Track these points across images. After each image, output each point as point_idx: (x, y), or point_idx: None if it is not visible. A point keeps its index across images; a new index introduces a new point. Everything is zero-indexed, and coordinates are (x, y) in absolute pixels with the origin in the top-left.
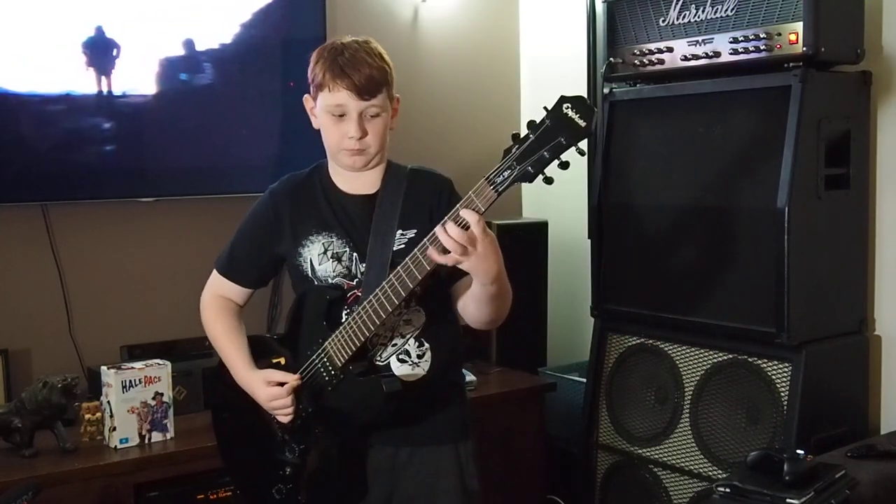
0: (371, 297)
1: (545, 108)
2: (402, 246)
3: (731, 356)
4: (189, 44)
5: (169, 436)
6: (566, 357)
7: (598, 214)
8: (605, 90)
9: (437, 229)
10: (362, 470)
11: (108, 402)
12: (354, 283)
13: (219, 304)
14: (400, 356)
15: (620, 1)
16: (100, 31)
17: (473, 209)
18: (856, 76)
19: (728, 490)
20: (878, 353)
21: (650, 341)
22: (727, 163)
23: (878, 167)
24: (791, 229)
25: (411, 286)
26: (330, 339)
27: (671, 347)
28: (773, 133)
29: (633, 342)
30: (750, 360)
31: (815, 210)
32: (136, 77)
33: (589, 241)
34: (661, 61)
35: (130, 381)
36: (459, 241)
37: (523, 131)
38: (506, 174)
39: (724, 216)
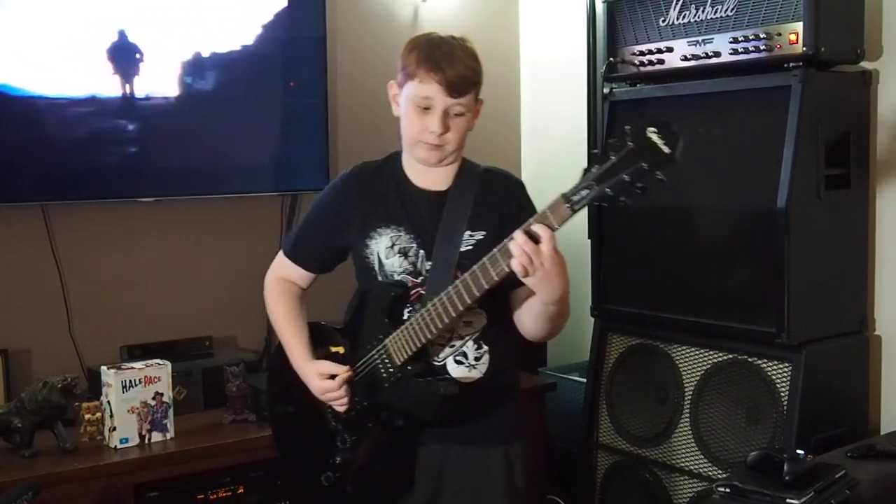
0: (436, 299)
1: (627, 129)
2: (470, 247)
3: (731, 356)
4: (188, 45)
5: (169, 436)
6: (566, 357)
7: (598, 214)
8: (605, 90)
9: (509, 240)
10: (411, 466)
11: (108, 402)
12: (419, 280)
13: (282, 286)
14: (457, 357)
15: (620, 1)
16: (101, 32)
17: (547, 225)
18: (856, 76)
19: (728, 490)
20: (878, 353)
21: (650, 341)
22: (727, 163)
23: (878, 167)
24: (791, 229)
25: (478, 293)
26: (391, 337)
27: (671, 347)
28: (773, 133)
29: (633, 342)
30: (750, 360)
31: (815, 210)
32: (136, 78)
33: (589, 241)
34: (661, 61)
35: (130, 381)
36: (530, 254)
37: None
38: (583, 193)
39: (724, 216)
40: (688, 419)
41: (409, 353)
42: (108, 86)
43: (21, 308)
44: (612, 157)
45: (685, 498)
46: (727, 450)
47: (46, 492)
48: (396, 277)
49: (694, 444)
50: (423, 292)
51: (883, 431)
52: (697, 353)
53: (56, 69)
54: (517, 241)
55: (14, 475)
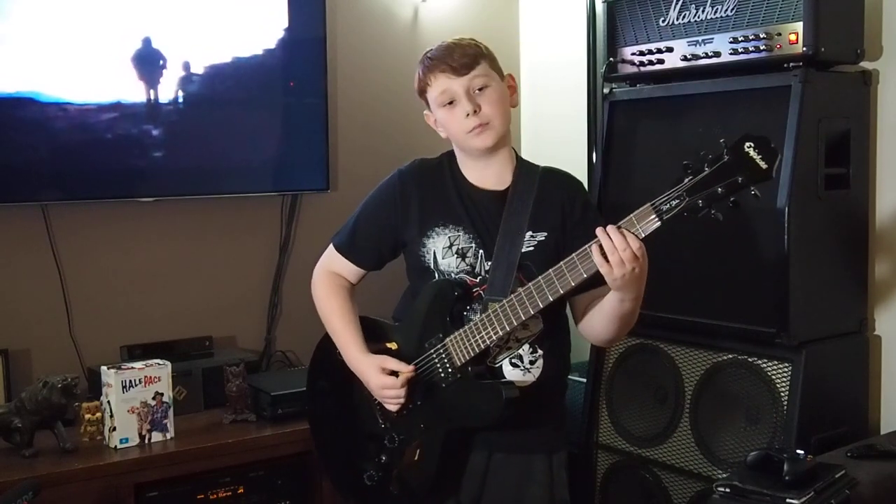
0: (504, 301)
1: (723, 142)
2: (531, 248)
3: (731, 356)
4: (187, 45)
5: (169, 436)
6: None
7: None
8: (605, 90)
9: (594, 243)
10: (457, 470)
11: (108, 402)
12: (478, 280)
13: (333, 281)
14: (513, 360)
15: (620, 1)
16: (102, 35)
17: (635, 234)
18: (856, 76)
19: (728, 490)
20: (878, 353)
21: (650, 341)
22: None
23: (878, 167)
24: (791, 229)
25: (552, 298)
26: (451, 337)
27: (671, 347)
28: (773, 133)
29: (633, 342)
30: (750, 360)
31: (815, 210)
32: (135, 80)
33: None
34: (661, 61)
35: (130, 381)
36: (623, 256)
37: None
38: (673, 203)
39: (725, 216)
40: (688, 419)
41: (471, 354)
42: (108, 88)
43: (21, 308)
44: (707, 169)
45: (685, 498)
46: (727, 450)
47: (46, 492)
48: (454, 277)
49: (694, 444)
50: (482, 293)
51: (883, 431)
52: (697, 353)
53: (55, 72)
54: (611, 242)
55: (14, 475)
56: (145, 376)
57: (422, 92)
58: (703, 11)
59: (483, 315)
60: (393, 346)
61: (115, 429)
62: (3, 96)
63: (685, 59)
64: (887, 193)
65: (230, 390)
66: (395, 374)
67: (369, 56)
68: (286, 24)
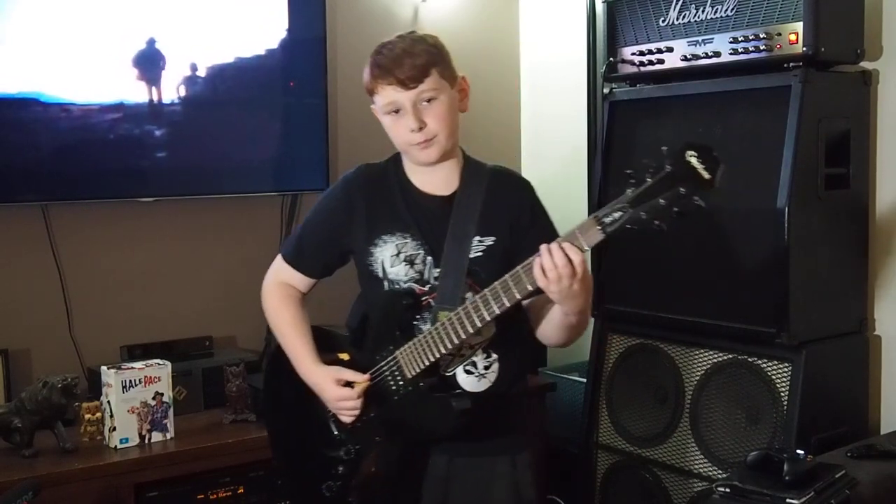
0: (452, 314)
1: (664, 149)
2: (480, 254)
3: (731, 356)
4: (187, 46)
5: (169, 436)
6: (566, 357)
7: None
8: (605, 90)
9: (536, 256)
10: (417, 478)
11: (108, 402)
12: (427, 288)
13: (284, 291)
14: (467, 367)
15: (620, 1)
16: (102, 36)
17: (577, 246)
18: (856, 76)
19: (728, 490)
20: (878, 353)
21: (650, 341)
22: (727, 163)
23: (878, 167)
24: (791, 229)
25: (499, 311)
26: (401, 349)
27: (671, 347)
28: (773, 133)
29: (633, 342)
30: (750, 360)
31: (815, 210)
32: (135, 81)
33: None
34: (661, 61)
35: (130, 381)
36: (561, 274)
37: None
38: (616, 215)
39: (724, 216)
40: (688, 419)
41: (421, 367)
42: (109, 88)
43: (21, 308)
44: (649, 180)
45: (685, 498)
46: (727, 450)
47: (46, 492)
48: (403, 286)
49: (694, 444)
50: (432, 301)
51: (883, 431)
52: (697, 353)
53: (57, 73)
54: (551, 259)
55: (14, 475)
56: (145, 376)
57: (370, 91)
58: (703, 11)
59: (432, 327)
60: (346, 356)
61: (115, 429)
62: (6, 97)
63: (685, 59)
64: (887, 193)
65: (230, 390)
66: (350, 384)
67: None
68: (286, 25)
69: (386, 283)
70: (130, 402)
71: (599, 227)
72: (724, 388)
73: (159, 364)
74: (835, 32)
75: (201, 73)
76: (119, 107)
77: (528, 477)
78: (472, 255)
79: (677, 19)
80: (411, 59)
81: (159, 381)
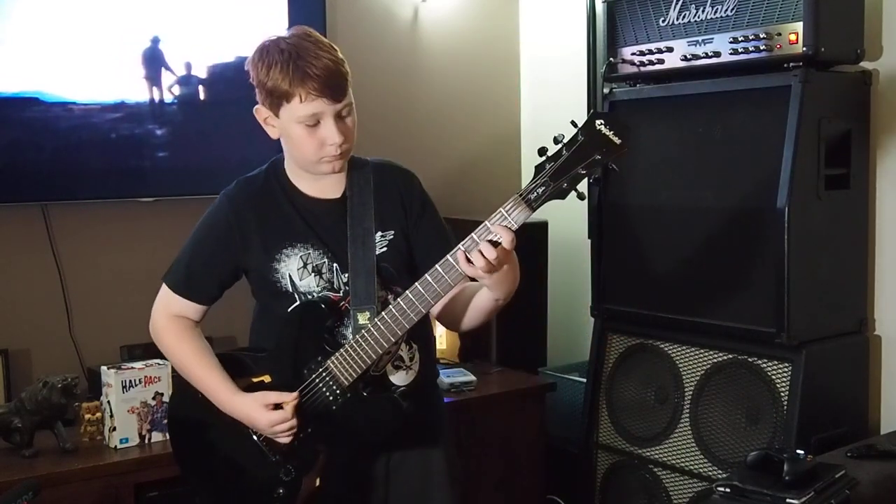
0: (377, 319)
1: (573, 122)
2: (385, 248)
3: (731, 356)
4: (187, 46)
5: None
6: (566, 357)
7: (598, 214)
8: (605, 90)
9: (457, 251)
10: (359, 480)
11: (108, 402)
12: (341, 294)
13: (178, 325)
14: (395, 363)
15: (620, 1)
16: (102, 36)
17: (507, 227)
18: (856, 76)
19: (728, 490)
20: (878, 353)
21: (650, 341)
22: (727, 163)
23: (878, 167)
24: (791, 229)
25: (434, 302)
26: (332, 359)
27: (671, 347)
28: (773, 133)
29: (633, 342)
30: (750, 360)
31: (815, 210)
32: (135, 81)
33: (589, 241)
34: (661, 61)
35: (130, 381)
36: (491, 260)
37: (536, 141)
38: (540, 191)
39: (724, 216)
40: (688, 419)
41: (357, 373)
42: (108, 88)
43: (21, 308)
44: (565, 153)
45: (685, 498)
46: (727, 450)
47: (46, 492)
48: (316, 297)
49: (694, 444)
50: (348, 305)
51: (883, 431)
52: (697, 353)
53: (59, 72)
54: (482, 248)
55: (14, 475)
56: (145, 376)
57: (278, 96)
58: (703, 11)
59: (358, 335)
60: (266, 378)
61: (115, 429)
62: (6, 96)
63: (685, 59)
64: (887, 193)
65: None
66: (278, 406)
67: (369, 56)
68: (286, 25)
69: (297, 297)
70: (130, 402)
71: (526, 204)
72: (724, 388)
73: (159, 364)
74: (835, 32)
75: (201, 73)
76: (119, 106)
77: (455, 458)
78: (377, 252)
79: (677, 19)
80: (336, 68)
81: (159, 381)
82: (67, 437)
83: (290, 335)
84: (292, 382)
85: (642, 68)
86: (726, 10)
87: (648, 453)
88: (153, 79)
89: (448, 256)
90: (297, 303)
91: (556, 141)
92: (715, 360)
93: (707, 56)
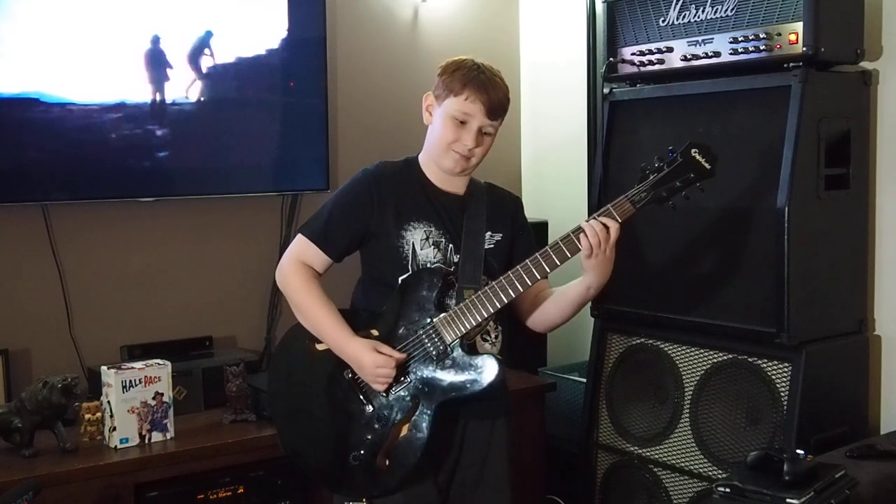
0: (494, 283)
1: (671, 149)
2: (492, 246)
3: (731, 356)
4: (187, 46)
5: (169, 436)
6: (566, 357)
7: None
8: (605, 90)
9: (578, 230)
10: (442, 439)
11: (108, 402)
12: (452, 269)
13: (307, 271)
14: (483, 336)
15: (620, 1)
16: (102, 36)
17: (613, 218)
18: (856, 76)
19: (728, 490)
20: (878, 353)
21: (650, 341)
22: (727, 163)
23: (878, 167)
24: (791, 229)
25: (540, 276)
26: (440, 317)
27: (671, 347)
28: (773, 133)
29: (633, 342)
30: (750, 360)
31: (815, 210)
32: (136, 81)
33: None
34: (661, 61)
35: (130, 381)
36: (600, 238)
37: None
38: (643, 195)
39: (724, 216)
40: (688, 419)
41: (461, 331)
42: (108, 88)
43: (21, 308)
44: (666, 168)
45: (685, 498)
46: (727, 450)
47: (46, 492)
48: (431, 266)
49: (694, 444)
50: (455, 281)
51: (883, 431)
52: (697, 353)
53: (59, 73)
54: (592, 226)
55: (14, 475)
56: (145, 376)
57: (449, 90)
58: (703, 11)
59: (463, 302)
60: (375, 332)
61: (115, 429)
62: (7, 96)
63: (685, 59)
64: (887, 193)
65: (230, 390)
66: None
67: (369, 56)
68: (286, 25)
69: (413, 265)
70: (130, 402)
71: (631, 204)
72: (724, 388)
73: (159, 364)
74: (835, 32)
75: (202, 73)
76: (119, 107)
77: (513, 436)
78: (486, 247)
79: (677, 19)
80: (503, 97)
81: (159, 380)
82: (67, 437)
83: (403, 295)
84: (398, 339)
85: (642, 68)
86: (726, 10)
87: (648, 453)
88: (153, 79)
89: (558, 238)
90: (409, 272)
91: (659, 160)
92: (715, 361)
93: (707, 56)
